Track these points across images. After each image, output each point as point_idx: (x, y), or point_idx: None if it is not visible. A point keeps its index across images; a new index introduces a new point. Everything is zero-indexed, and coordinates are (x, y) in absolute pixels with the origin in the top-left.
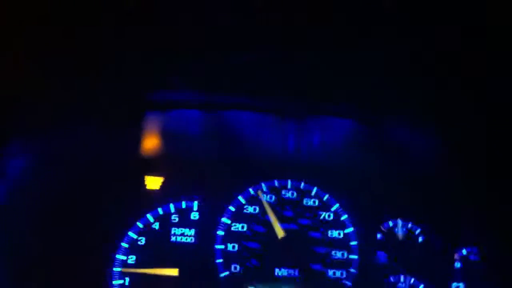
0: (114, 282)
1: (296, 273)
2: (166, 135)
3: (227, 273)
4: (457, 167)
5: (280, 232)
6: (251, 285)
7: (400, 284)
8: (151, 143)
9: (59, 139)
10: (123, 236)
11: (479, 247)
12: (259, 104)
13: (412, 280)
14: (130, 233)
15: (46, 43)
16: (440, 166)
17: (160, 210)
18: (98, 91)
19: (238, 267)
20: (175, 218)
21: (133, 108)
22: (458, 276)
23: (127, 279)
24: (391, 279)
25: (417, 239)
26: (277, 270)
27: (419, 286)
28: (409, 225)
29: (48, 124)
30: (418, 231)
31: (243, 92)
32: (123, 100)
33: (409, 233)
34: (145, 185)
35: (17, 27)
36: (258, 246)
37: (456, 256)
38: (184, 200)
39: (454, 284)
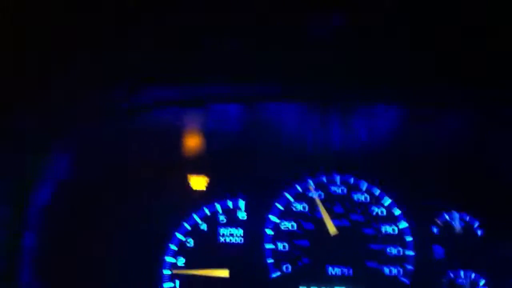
0: (164, 285)
1: (350, 271)
2: (208, 133)
3: (278, 273)
4: None
5: (332, 229)
6: (303, 285)
7: (459, 280)
8: (193, 141)
9: (101, 140)
10: (171, 237)
11: None
12: (302, 93)
13: (473, 275)
14: (178, 235)
15: None
16: (498, 157)
17: (206, 210)
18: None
19: (289, 266)
20: (222, 218)
21: (174, 105)
22: None
23: (177, 281)
24: (450, 274)
25: (476, 233)
26: (330, 268)
27: (480, 281)
28: (467, 218)
29: (89, 124)
30: (476, 224)
31: (283, 81)
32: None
33: (466, 227)
34: (189, 185)
35: None
36: (309, 244)
37: None
38: (229, 199)
39: None
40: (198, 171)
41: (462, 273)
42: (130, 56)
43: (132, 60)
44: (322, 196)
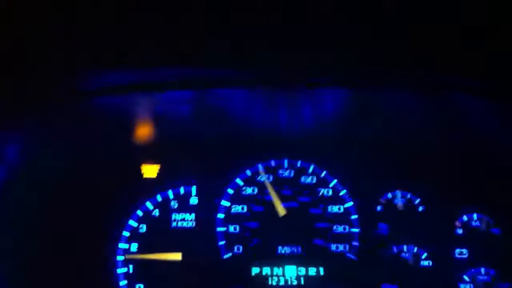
0: (118, 271)
1: (299, 249)
2: (158, 121)
3: (230, 254)
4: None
5: (281, 210)
6: (254, 264)
7: (403, 254)
8: (145, 130)
9: (52, 128)
10: (123, 225)
11: (480, 213)
12: (251, 77)
13: (416, 249)
14: (131, 222)
15: None
16: (436, 134)
17: (159, 197)
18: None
19: (240, 247)
20: (174, 204)
21: (122, 92)
22: (460, 242)
23: (131, 266)
24: (394, 249)
25: (417, 209)
26: (279, 248)
27: (422, 254)
28: (408, 196)
29: (39, 111)
30: (417, 201)
31: (232, 64)
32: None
33: (408, 203)
34: (142, 174)
35: None
36: (259, 226)
37: (457, 223)
38: (182, 185)
39: (458, 251)
40: (150, 160)
41: (405, 247)
42: (80, 41)
43: (82, 44)
44: (271, 179)
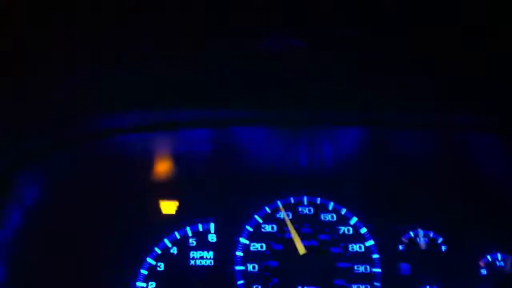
0: None
1: None
2: (177, 158)
3: None
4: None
5: (301, 249)
6: None
7: None
8: (163, 167)
9: (71, 168)
10: (141, 262)
11: (504, 253)
12: (268, 117)
13: None
14: (149, 259)
15: None
16: (457, 173)
17: (177, 234)
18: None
19: (259, 287)
20: (192, 241)
21: (142, 130)
22: (485, 283)
23: None
24: None
25: (440, 248)
26: None
27: None
28: (431, 235)
29: (58, 150)
30: (440, 240)
31: (248, 105)
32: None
33: (431, 243)
34: (160, 210)
35: None
36: (279, 265)
37: (481, 263)
38: (200, 222)
39: None
40: (168, 196)
41: None
42: (100, 82)
43: (103, 85)
44: (290, 216)
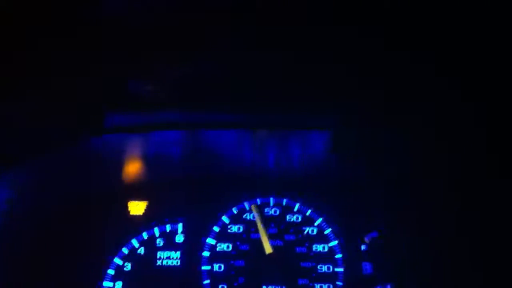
0: None
1: None
2: (145, 159)
3: None
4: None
5: (268, 249)
6: None
7: None
8: (132, 168)
9: (39, 168)
10: (108, 263)
11: None
12: (237, 120)
13: None
14: (116, 259)
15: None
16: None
17: (144, 235)
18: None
19: (225, 286)
20: (160, 241)
21: (111, 132)
22: None
23: None
24: None
25: (402, 249)
26: (264, 287)
27: None
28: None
29: (24, 153)
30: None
31: (218, 109)
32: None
33: (392, 244)
34: (128, 211)
35: None
36: (244, 265)
37: None
38: (168, 223)
39: None
40: (137, 197)
41: (389, 287)
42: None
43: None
44: (255, 218)
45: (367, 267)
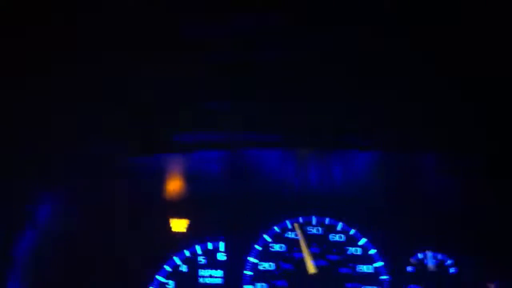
0: None
1: None
2: (188, 177)
3: None
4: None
5: (311, 268)
6: None
7: None
8: (174, 186)
9: (85, 186)
10: (151, 280)
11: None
12: (279, 140)
13: None
14: (158, 277)
15: None
16: (468, 197)
17: (186, 252)
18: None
19: None
20: (201, 259)
21: (154, 151)
22: None
23: None
24: None
25: (449, 270)
26: None
27: None
28: (439, 256)
29: (72, 172)
30: (449, 262)
31: (262, 130)
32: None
33: (440, 265)
34: (170, 228)
35: None
36: (287, 285)
37: (491, 287)
38: (209, 241)
39: None
40: (179, 214)
41: None
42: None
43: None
44: (298, 237)
45: None
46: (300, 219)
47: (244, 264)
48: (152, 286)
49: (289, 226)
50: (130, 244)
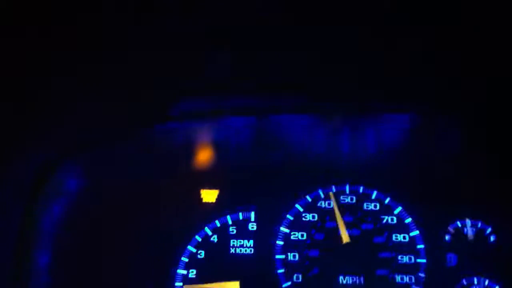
0: None
1: (361, 280)
2: (217, 147)
3: (289, 283)
4: None
5: (345, 237)
6: None
7: (473, 287)
8: (203, 156)
9: (114, 155)
10: (182, 250)
11: None
12: (311, 106)
13: (487, 282)
14: (189, 247)
15: None
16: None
17: (217, 223)
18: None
19: (300, 276)
20: (233, 229)
21: (183, 118)
22: None
23: None
24: (464, 282)
25: (488, 239)
26: (341, 277)
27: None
28: (479, 225)
29: (99, 143)
30: (488, 230)
31: (293, 94)
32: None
33: (479, 233)
34: (201, 199)
35: None
36: (320, 254)
37: None
38: (240, 211)
39: None
40: (209, 185)
41: (475, 280)
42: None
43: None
44: (332, 205)
45: (451, 258)
46: (333, 188)
47: (275, 234)
48: (183, 257)
49: (322, 195)
50: (161, 215)
